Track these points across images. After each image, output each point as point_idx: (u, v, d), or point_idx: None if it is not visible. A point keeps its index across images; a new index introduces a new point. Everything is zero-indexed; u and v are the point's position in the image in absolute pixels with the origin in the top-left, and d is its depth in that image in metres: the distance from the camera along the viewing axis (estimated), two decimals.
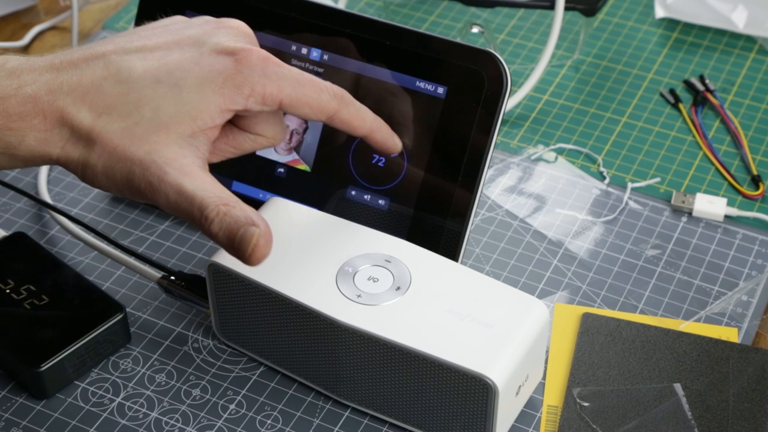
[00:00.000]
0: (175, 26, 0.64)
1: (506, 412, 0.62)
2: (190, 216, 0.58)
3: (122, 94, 0.60)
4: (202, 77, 0.60)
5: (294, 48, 0.73)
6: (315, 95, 0.62)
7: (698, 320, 0.72)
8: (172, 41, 0.62)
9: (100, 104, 0.59)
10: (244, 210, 0.58)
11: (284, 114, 0.66)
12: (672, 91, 0.89)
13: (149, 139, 0.59)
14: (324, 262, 0.65)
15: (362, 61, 0.71)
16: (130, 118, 0.59)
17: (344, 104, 0.64)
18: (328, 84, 0.63)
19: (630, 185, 0.81)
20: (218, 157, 0.64)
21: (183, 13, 0.75)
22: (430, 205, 0.70)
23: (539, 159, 0.83)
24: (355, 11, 0.73)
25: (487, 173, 0.69)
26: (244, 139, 0.64)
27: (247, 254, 0.57)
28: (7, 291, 0.69)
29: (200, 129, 0.60)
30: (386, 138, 0.67)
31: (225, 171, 0.75)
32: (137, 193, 0.59)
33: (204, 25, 0.64)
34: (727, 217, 0.79)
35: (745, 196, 0.80)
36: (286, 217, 0.68)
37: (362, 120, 0.65)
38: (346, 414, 0.66)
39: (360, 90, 0.71)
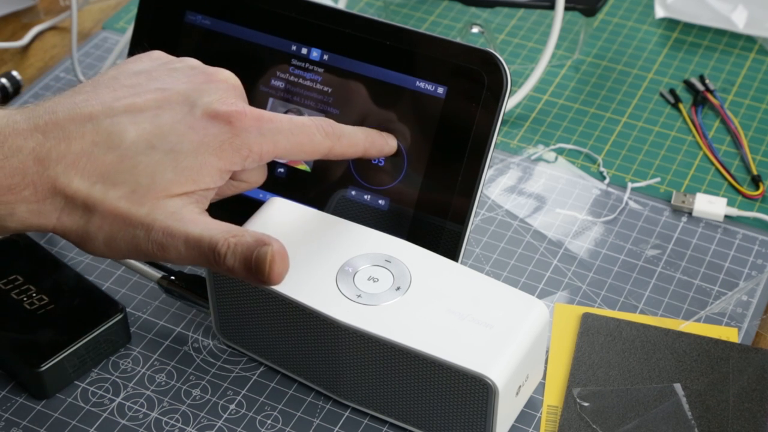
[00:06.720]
0: (158, 73, 0.62)
1: (506, 412, 0.62)
2: (204, 259, 0.57)
3: (116, 162, 0.58)
4: (198, 142, 0.59)
5: (294, 48, 0.73)
6: (308, 140, 0.63)
7: (698, 320, 0.72)
8: (162, 99, 0.60)
9: (94, 172, 0.57)
10: (252, 235, 0.57)
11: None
12: (672, 91, 0.89)
13: (147, 202, 0.58)
14: (324, 262, 0.65)
15: (362, 61, 0.71)
16: (126, 186, 0.58)
17: (336, 139, 0.64)
18: (317, 123, 0.64)
19: (630, 185, 0.81)
20: None
21: (183, 13, 0.75)
22: (430, 205, 0.70)
23: (539, 159, 0.83)
24: (355, 11, 0.73)
25: (487, 173, 0.69)
26: (227, 186, 0.64)
27: (266, 274, 0.56)
28: (7, 291, 0.69)
29: (201, 189, 0.59)
30: (381, 148, 0.68)
31: None
32: (147, 256, 0.58)
33: (192, 77, 0.62)
34: (727, 217, 0.79)
35: (745, 196, 0.80)
36: (286, 217, 0.68)
37: (355, 146, 0.66)
38: (346, 414, 0.66)
39: (360, 90, 0.71)
